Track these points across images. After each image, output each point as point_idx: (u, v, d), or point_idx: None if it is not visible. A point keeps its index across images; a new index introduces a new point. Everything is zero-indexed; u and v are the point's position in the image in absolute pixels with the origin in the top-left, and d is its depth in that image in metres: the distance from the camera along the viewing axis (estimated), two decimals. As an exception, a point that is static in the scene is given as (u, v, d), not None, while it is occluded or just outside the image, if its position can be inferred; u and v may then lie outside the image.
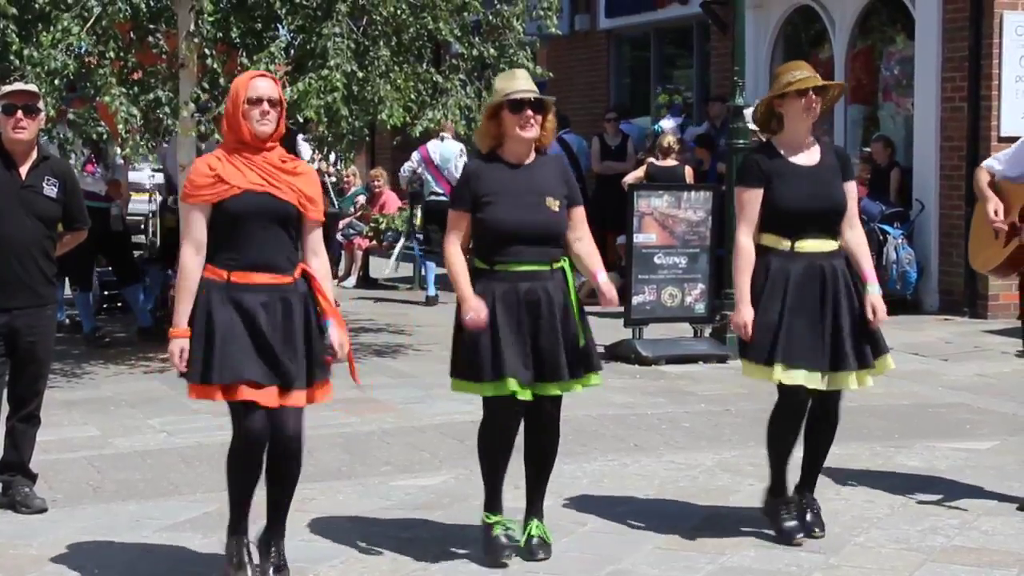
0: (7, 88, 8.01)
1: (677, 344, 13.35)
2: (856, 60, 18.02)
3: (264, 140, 6.35)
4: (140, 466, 9.02)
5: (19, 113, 7.86)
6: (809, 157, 7.19)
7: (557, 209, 6.80)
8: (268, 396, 6.23)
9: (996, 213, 7.99)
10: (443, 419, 10.10)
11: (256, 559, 6.51)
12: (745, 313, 7.01)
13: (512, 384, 6.63)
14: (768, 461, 7.35)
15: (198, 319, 6.27)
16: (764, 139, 7.40)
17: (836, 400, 7.22)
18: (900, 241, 15.87)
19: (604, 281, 6.83)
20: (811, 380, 7.00)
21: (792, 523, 7.21)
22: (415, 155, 18.30)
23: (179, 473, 8.83)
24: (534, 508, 7.02)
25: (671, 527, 7.45)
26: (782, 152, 7.18)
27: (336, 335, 6.45)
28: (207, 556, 6.99)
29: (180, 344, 6.27)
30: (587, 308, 6.95)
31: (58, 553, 7.09)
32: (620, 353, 13.12)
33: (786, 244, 7.07)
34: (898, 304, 15.93)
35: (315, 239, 6.52)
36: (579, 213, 6.97)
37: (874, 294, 7.18)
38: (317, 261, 6.50)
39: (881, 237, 15.86)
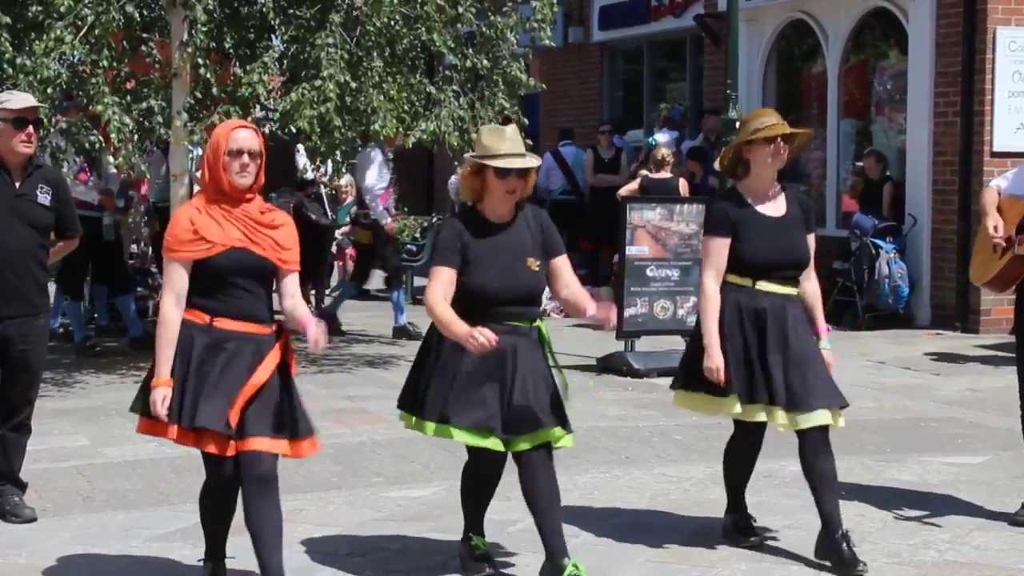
0: (15, 101, 7.94)
1: (669, 357, 13.29)
2: (849, 74, 18.06)
3: (243, 192, 6.36)
4: (130, 476, 9.01)
5: (30, 128, 7.85)
6: (775, 207, 7.24)
7: (537, 269, 6.69)
8: (228, 447, 6.19)
9: (996, 229, 8.02)
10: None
11: None
12: (716, 358, 7.04)
13: (485, 440, 6.53)
14: (725, 484, 7.52)
15: (179, 360, 6.26)
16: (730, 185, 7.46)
17: (823, 435, 7.08)
18: (892, 255, 15.89)
19: (593, 312, 6.66)
20: (770, 416, 7.06)
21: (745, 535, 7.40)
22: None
23: (169, 483, 8.81)
24: (557, 549, 6.62)
25: (662, 540, 7.44)
26: (749, 200, 7.21)
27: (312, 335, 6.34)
28: (196, 566, 6.96)
29: (163, 392, 6.23)
30: (576, 325, 6.93)
31: (48, 563, 7.07)
32: (612, 365, 13.12)
33: (748, 282, 7.13)
34: (890, 318, 15.98)
35: (291, 284, 6.47)
36: (562, 262, 6.82)
37: (826, 349, 7.21)
38: (291, 302, 6.47)
39: (873, 251, 15.89)
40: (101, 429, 10.48)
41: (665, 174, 16.78)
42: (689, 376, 7.28)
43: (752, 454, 7.49)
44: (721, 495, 8.19)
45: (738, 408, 7.07)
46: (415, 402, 6.71)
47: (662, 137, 19.22)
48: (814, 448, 7.05)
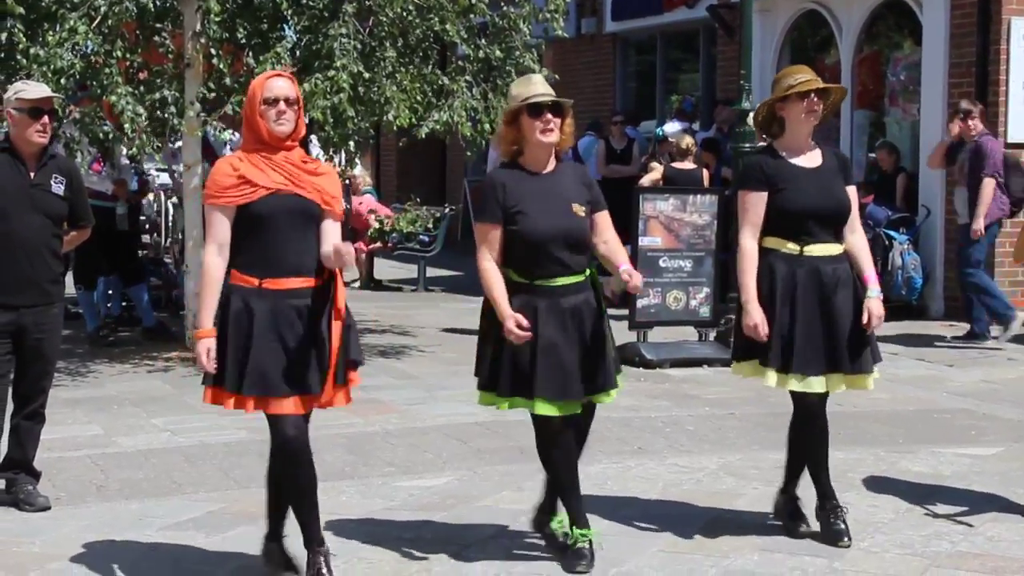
0: (30, 91, 7.96)
1: (682, 347, 13.35)
2: (863, 65, 18.02)
3: (283, 140, 6.33)
4: (143, 465, 9.02)
5: (46, 118, 7.87)
6: (811, 160, 7.17)
7: (583, 215, 6.76)
8: (295, 405, 6.23)
9: None
10: (446, 420, 10.09)
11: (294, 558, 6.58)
12: (755, 314, 6.98)
13: (552, 408, 6.65)
14: (785, 464, 7.46)
15: (232, 328, 6.24)
16: (765, 143, 7.40)
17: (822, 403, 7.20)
18: (906, 247, 15.86)
19: (626, 268, 6.75)
20: (824, 385, 7.05)
21: (802, 525, 7.35)
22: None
23: (182, 472, 8.83)
24: (578, 516, 6.90)
25: (675, 530, 7.44)
26: (784, 155, 7.16)
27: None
28: (210, 555, 7.00)
29: (207, 344, 6.22)
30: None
31: (61, 551, 7.09)
32: (625, 356, 13.04)
33: (793, 247, 7.05)
34: (903, 310, 15.94)
35: (332, 230, 6.42)
36: (604, 217, 6.90)
37: (873, 298, 7.12)
38: (329, 248, 6.37)
39: (887, 242, 15.85)
40: (114, 418, 10.50)
41: (689, 164, 16.74)
42: (741, 345, 7.21)
43: (812, 429, 7.27)
44: (734, 486, 8.23)
45: (797, 385, 7.03)
46: (494, 380, 6.77)
47: (671, 127, 19.18)
48: (816, 419, 7.20)
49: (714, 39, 20.49)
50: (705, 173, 17.01)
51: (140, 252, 16.35)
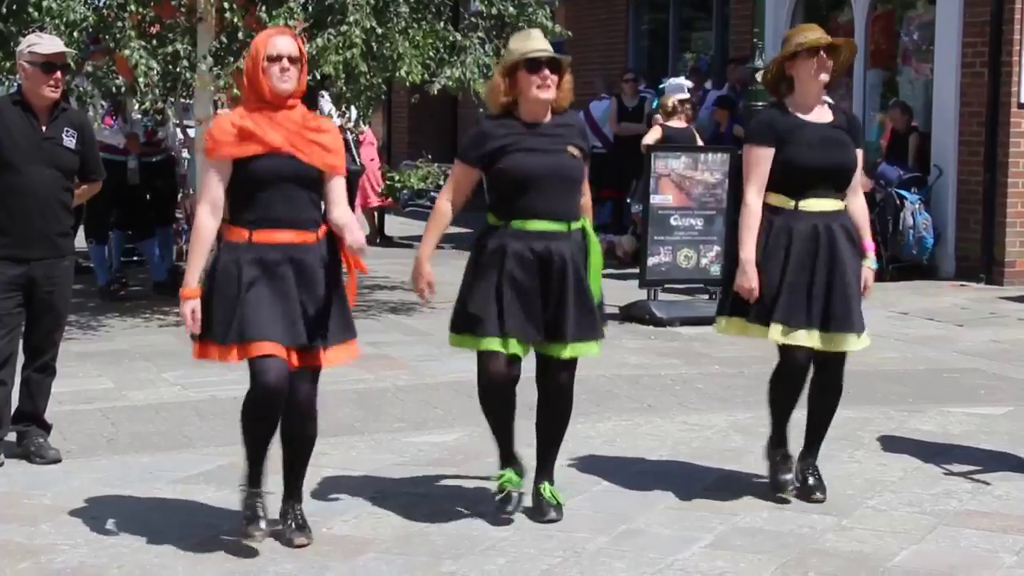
0: (44, 45, 7.94)
1: (692, 306, 13.35)
2: (876, 24, 17.94)
3: (285, 98, 6.30)
4: (154, 419, 9.05)
5: (58, 73, 7.86)
6: (821, 116, 7.13)
7: (577, 154, 6.72)
8: (275, 348, 6.19)
9: None
10: (457, 376, 10.10)
11: (269, 514, 6.52)
12: (751, 275, 6.95)
13: (497, 343, 6.62)
14: (769, 417, 7.40)
15: (219, 282, 6.23)
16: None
17: (838, 367, 7.14)
18: (917, 206, 15.83)
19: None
20: (811, 339, 6.98)
21: (787, 476, 7.27)
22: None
23: (193, 426, 8.85)
24: (544, 472, 6.96)
25: (684, 487, 7.45)
26: (793, 111, 7.12)
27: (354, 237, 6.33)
28: (220, 509, 7.02)
29: (192, 305, 6.22)
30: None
31: (72, 504, 7.11)
32: (635, 314, 13.11)
33: (790, 203, 7.01)
34: (914, 269, 15.94)
35: (338, 191, 6.43)
36: (585, 171, 6.90)
37: (868, 267, 7.12)
38: (339, 210, 6.40)
39: (898, 202, 15.83)
40: (125, 372, 10.52)
41: (680, 123, 16.68)
42: (731, 301, 7.14)
43: (796, 384, 7.21)
44: (743, 444, 8.24)
45: (780, 335, 6.98)
46: (464, 322, 6.82)
47: (670, 83, 19.01)
48: (831, 379, 7.12)
49: (727, -3, 20.43)
50: (695, 132, 16.97)
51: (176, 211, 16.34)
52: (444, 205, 6.80)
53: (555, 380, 6.82)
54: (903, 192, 15.94)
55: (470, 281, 6.80)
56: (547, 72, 6.64)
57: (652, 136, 16.65)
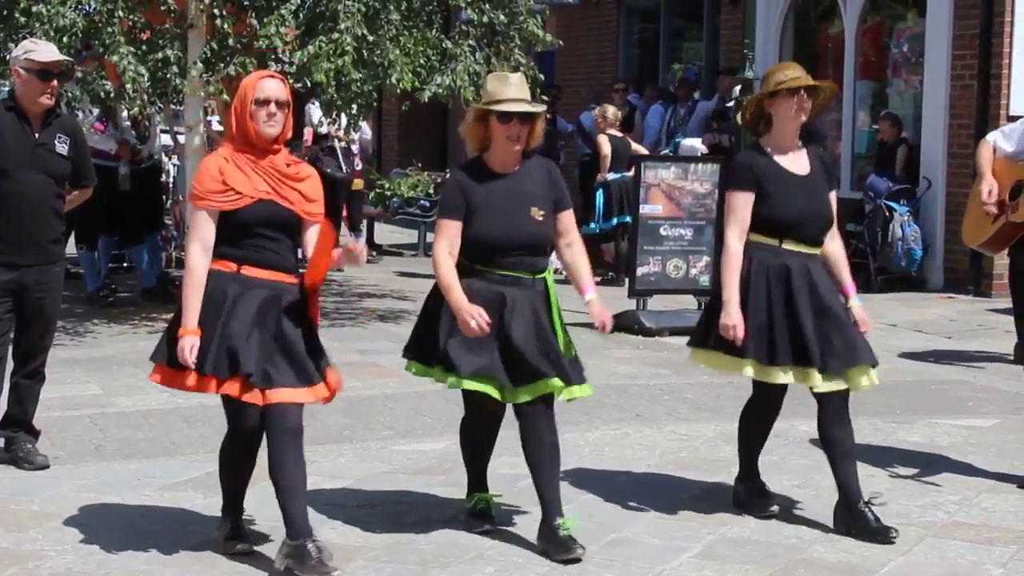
0: (41, 53, 7.93)
1: (681, 316, 13.34)
2: (866, 36, 17.99)
3: (270, 142, 6.35)
4: (142, 425, 9.04)
5: (55, 81, 7.87)
6: (798, 163, 7.10)
7: (541, 219, 6.65)
8: (256, 395, 6.17)
9: (989, 194, 8.02)
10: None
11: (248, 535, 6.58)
12: (735, 315, 6.91)
13: (487, 385, 6.54)
14: (739, 449, 7.40)
15: (211, 309, 6.24)
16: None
17: (842, 403, 7.04)
18: (906, 218, 15.87)
19: (593, 299, 6.69)
20: (785, 376, 6.97)
21: (763, 500, 7.27)
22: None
23: (181, 433, 8.85)
24: (553, 509, 6.63)
25: (672, 497, 7.46)
26: (772, 155, 7.10)
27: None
28: (207, 516, 7.00)
29: (191, 341, 6.20)
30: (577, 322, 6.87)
31: (59, 510, 7.10)
32: (624, 324, 13.11)
33: (774, 241, 7.01)
34: (903, 281, 15.97)
35: (315, 234, 6.45)
36: (568, 217, 6.82)
37: (857, 306, 7.12)
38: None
39: (887, 214, 15.87)
40: (113, 378, 10.52)
41: (617, 132, 16.85)
42: (707, 333, 7.15)
43: (770, 417, 7.32)
44: (731, 454, 8.20)
45: (750, 370, 7.02)
46: (419, 350, 6.76)
47: (688, 144, 18.91)
48: (835, 415, 6.98)
49: (718, 8, 20.45)
50: (632, 142, 17.08)
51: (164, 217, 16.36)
52: (443, 258, 6.64)
53: (531, 423, 6.63)
54: (892, 204, 15.98)
55: (429, 311, 6.76)
56: (518, 125, 6.60)
57: (606, 147, 16.76)
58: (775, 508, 7.23)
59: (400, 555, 6.49)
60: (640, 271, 13.25)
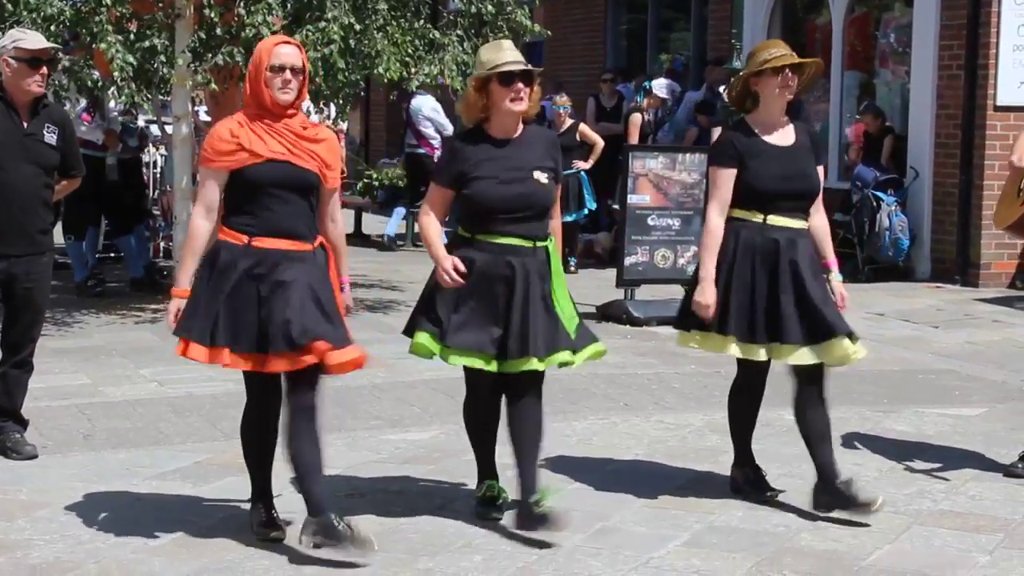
0: (29, 41, 7.92)
1: (669, 306, 13.25)
2: (853, 26, 17.99)
3: (285, 108, 6.32)
4: (131, 415, 9.04)
5: (44, 69, 7.86)
6: (784, 137, 7.14)
7: (545, 183, 6.70)
8: (273, 364, 6.21)
9: None
10: (433, 375, 10.10)
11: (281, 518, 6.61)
12: (709, 294, 6.97)
13: (475, 359, 6.60)
14: (731, 434, 7.45)
15: (215, 282, 6.23)
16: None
17: (820, 378, 7.11)
18: (893, 208, 15.89)
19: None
20: (769, 354, 7.03)
21: (760, 485, 7.34)
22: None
23: (169, 423, 8.85)
24: (528, 484, 6.68)
25: (660, 486, 7.48)
26: (756, 131, 7.12)
27: (346, 298, 6.55)
28: (195, 505, 7.03)
29: (177, 304, 6.26)
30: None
31: (47, 500, 7.11)
32: (611, 313, 13.14)
33: (758, 217, 7.03)
34: (890, 271, 15.99)
35: (333, 205, 6.50)
36: (557, 192, 6.88)
37: (837, 281, 7.15)
38: (334, 227, 6.52)
39: (874, 204, 15.89)
40: (101, 368, 10.51)
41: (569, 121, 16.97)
42: (690, 313, 7.18)
43: (755, 398, 7.35)
44: (719, 443, 8.24)
45: (734, 348, 7.04)
46: (417, 325, 6.80)
47: (658, 83, 19.14)
48: (809, 396, 7.07)
49: (706, -2, 20.47)
50: (578, 132, 17.16)
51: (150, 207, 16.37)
52: (426, 218, 6.78)
53: (519, 394, 6.71)
54: (879, 194, 16.00)
55: (432, 287, 6.78)
56: (520, 85, 6.62)
57: (597, 137, 16.88)
58: (771, 494, 7.27)
59: (388, 544, 6.49)
60: (628, 261, 13.26)
